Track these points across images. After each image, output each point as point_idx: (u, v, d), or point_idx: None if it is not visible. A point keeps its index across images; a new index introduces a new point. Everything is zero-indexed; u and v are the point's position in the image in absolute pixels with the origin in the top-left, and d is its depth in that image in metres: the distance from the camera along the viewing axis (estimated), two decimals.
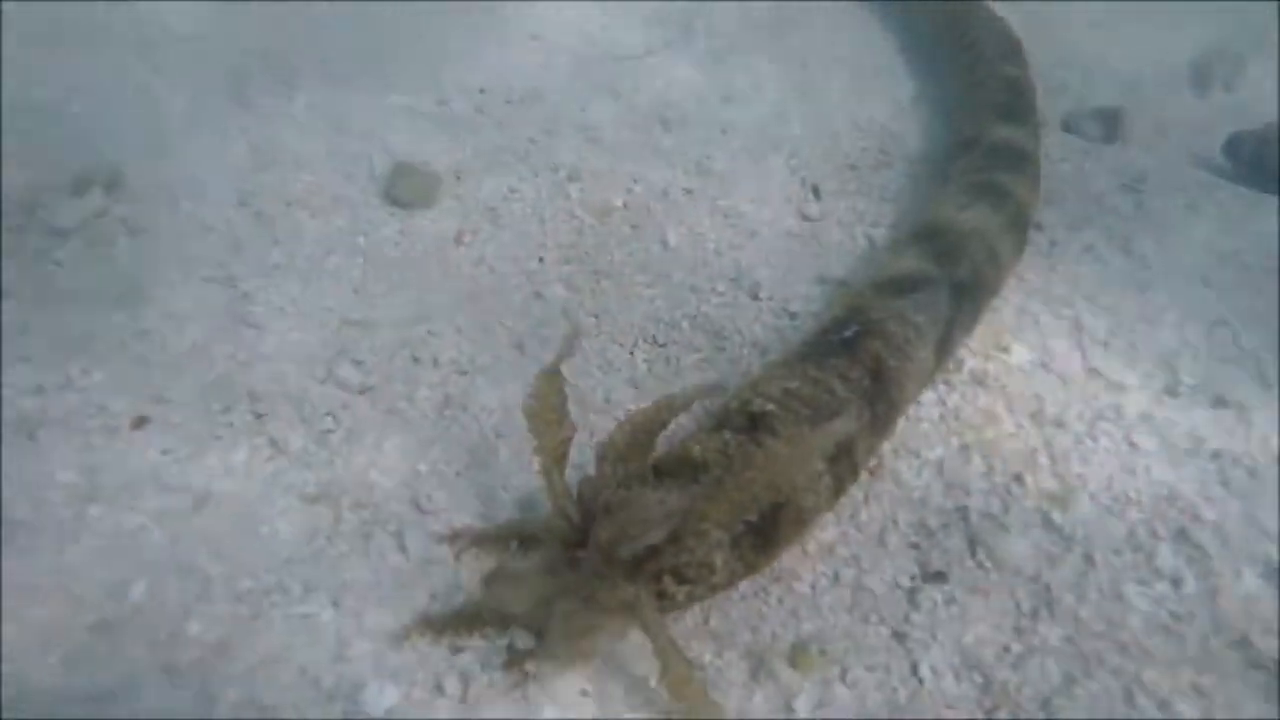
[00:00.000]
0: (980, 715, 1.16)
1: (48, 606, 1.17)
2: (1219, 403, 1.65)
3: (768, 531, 1.20)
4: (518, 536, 1.27)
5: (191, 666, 1.12)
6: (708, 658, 1.20)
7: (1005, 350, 1.75)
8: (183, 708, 1.08)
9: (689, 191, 2.11)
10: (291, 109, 2.21)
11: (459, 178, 2.03)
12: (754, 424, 1.25)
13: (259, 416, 1.46)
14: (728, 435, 1.24)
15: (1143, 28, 3.49)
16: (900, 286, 1.48)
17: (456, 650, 1.16)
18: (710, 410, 1.42)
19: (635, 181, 2.11)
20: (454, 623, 1.18)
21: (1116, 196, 2.41)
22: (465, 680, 1.13)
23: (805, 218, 2.11)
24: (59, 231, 1.73)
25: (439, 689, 1.12)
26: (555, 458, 1.18)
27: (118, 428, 1.42)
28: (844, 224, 2.12)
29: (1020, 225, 1.86)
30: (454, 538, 1.28)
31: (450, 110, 2.30)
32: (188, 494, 1.33)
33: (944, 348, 1.48)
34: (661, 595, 1.13)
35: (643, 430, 1.24)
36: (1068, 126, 2.87)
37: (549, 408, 1.20)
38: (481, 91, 2.39)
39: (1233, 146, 2.77)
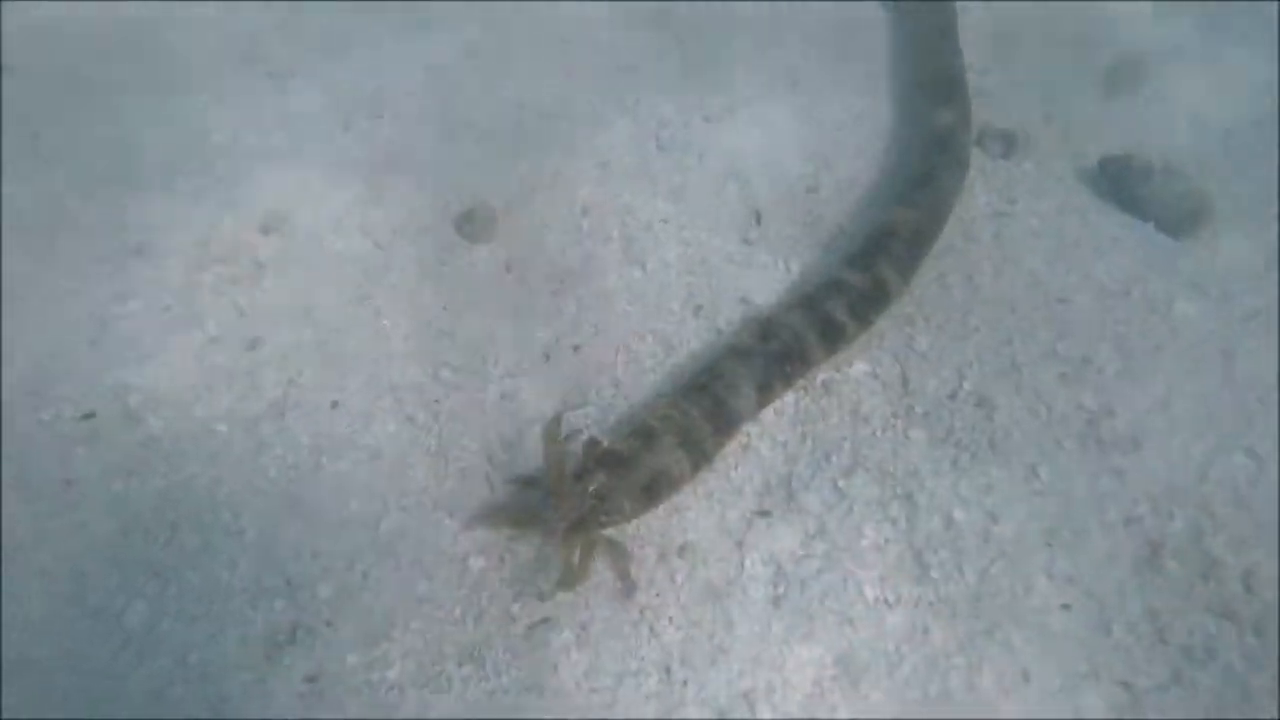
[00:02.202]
0: None
1: None
2: None
3: (652, 489, 2.29)
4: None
5: None
6: (632, 548, 2.34)
7: (850, 364, 2.77)
8: None
9: (665, 221, 3.04)
10: None
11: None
12: (649, 433, 2.33)
13: None
14: (634, 441, 2.31)
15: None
16: (736, 352, 2.50)
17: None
18: (632, 422, 2.47)
19: (629, 212, 3.04)
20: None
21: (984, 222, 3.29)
22: None
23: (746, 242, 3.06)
24: None
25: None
26: (556, 464, 2.25)
27: None
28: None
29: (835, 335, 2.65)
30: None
31: None
32: None
33: (763, 390, 2.48)
34: (601, 525, 2.26)
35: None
36: (977, 142, 3.65)
37: (554, 435, 2.28)
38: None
39: (1104, 169, 3.56)
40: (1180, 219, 3.36)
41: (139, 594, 2.13)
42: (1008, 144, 3.54)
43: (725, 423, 2.41)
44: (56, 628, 2.06)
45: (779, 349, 2.49)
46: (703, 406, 2.39)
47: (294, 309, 2.68)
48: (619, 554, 2.28)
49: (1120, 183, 3.45)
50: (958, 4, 4.00)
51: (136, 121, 3.02)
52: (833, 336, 2.57)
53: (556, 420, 2.29)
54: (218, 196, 2.89)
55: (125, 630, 2.07)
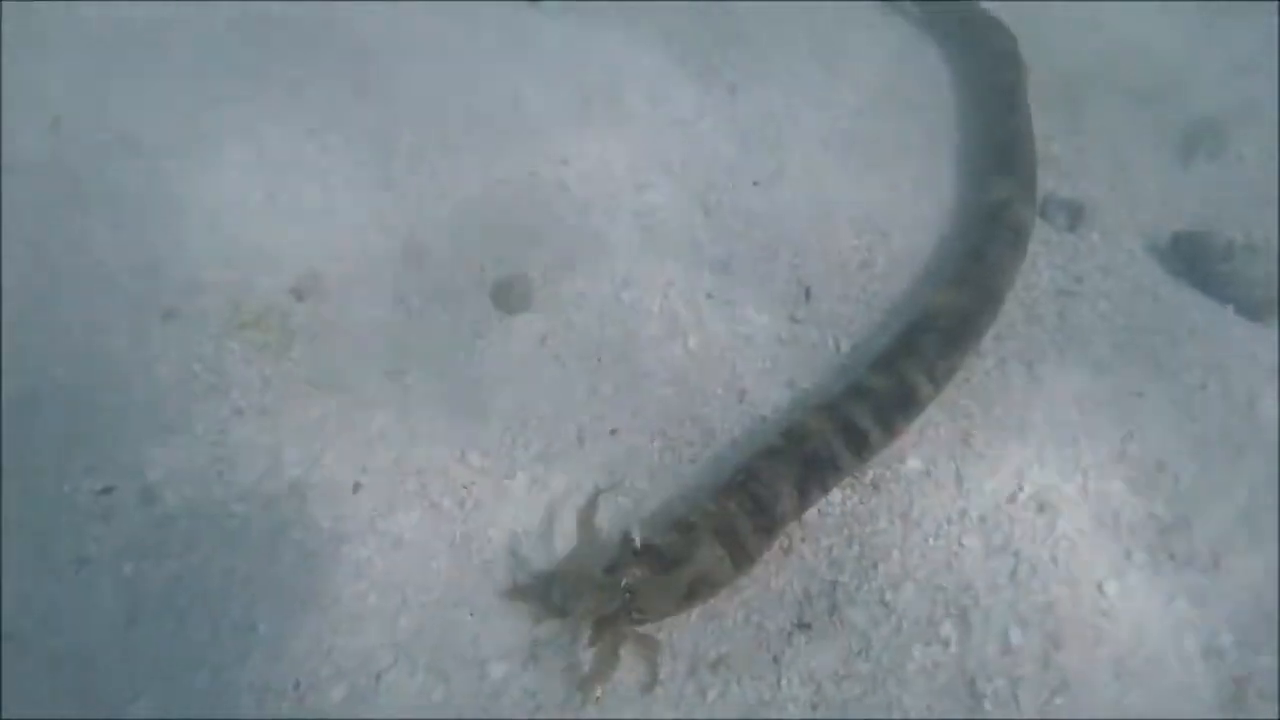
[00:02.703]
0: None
1: None
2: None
3: (692, 590, 2.15)
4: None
5: None
6: (663, 660, 2.19)
7: (902, 461, 2.59)
8: None
9: (710, 295, 2.90)
10: None
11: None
12: (689, 530, 2.18)
13: None
14: (674, 537, 2.17)
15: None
16: (770, 452, 2.34)
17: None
18: (669, 516, 2.33)
19: (671, 285, 2.91)
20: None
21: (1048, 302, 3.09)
22: None
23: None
24: None
25: None
26: (587, 553, 2.13)
27: None
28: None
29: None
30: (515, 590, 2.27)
31: None
32: None
33: (803, 489, 2.31)
34: (633, 622, 2.12)
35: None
36: (1041, 212, 3.45)
37: (588, 521, 2.15)
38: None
39: (1177, 246, 3.34)
40: (1263, 302, 3.13)
41: (143, 691, 2.03)
42: (1074, 215, 3.34)
43: (768, 520, 2.26)
44: None
45: (810, 452, 2.33)
46: (743, 504, 2.24)
47: (321, 380, 2.59)
48: (649, 648, 2.14)
49: (1196, 260, 3.23)
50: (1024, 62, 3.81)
51: (174, 179, 2.97)
52: (858, 444, 2.39)
53: (592, 504, 2.19)
54: (252, 257, 2.82)
55: None
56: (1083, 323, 2.99)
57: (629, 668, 2.13)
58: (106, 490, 2.31)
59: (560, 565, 2.31)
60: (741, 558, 2.21)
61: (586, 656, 2.11)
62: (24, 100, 3.10)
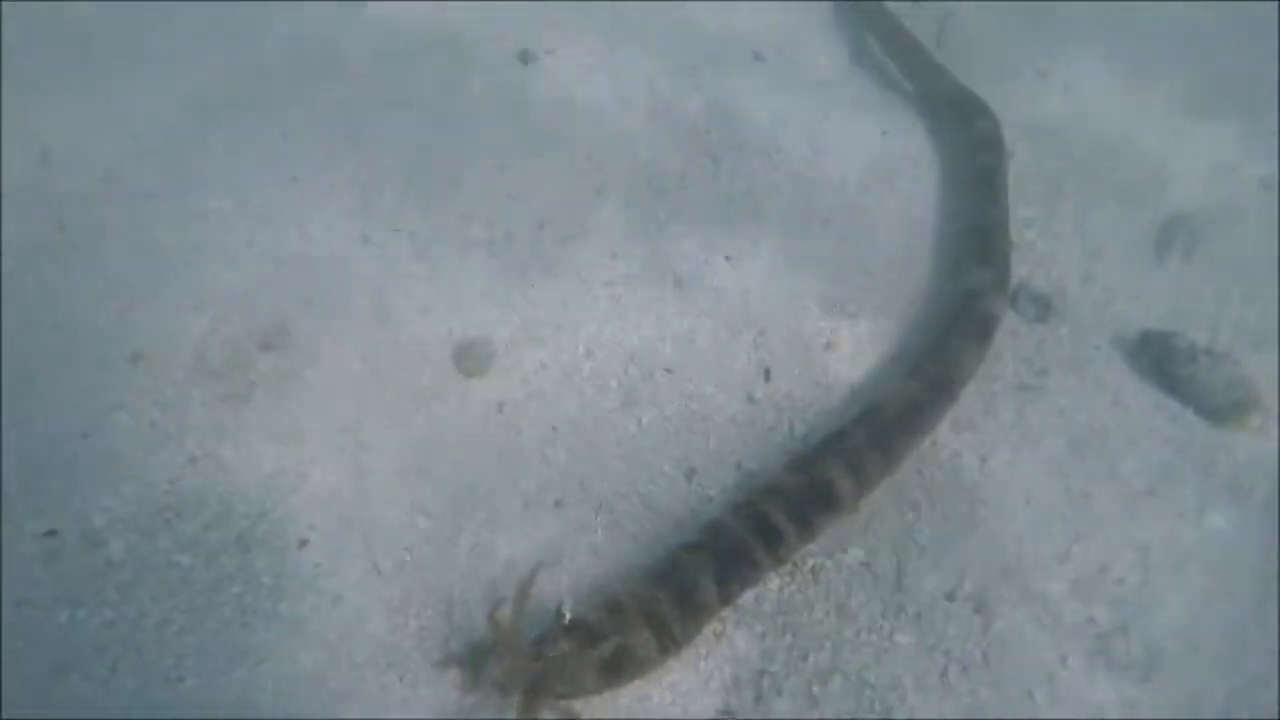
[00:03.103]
0: None
1: None
2: None
3: (616, 667, 2.16)
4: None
5: None
6: None
7: (844, 550, 2.61)
8: None
9: (669, 371, 2.94)
10: None
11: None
12: (619, 609, 2.20)
13: None
14: (603, 614, 2.19)
15: None
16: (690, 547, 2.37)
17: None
18: (604, 594, 2.34)
19: (633, 359, 2.95)
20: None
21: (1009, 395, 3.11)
22: None
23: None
24: None
25: None
26: (515, 624, 2.15)
27: None
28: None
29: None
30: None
31: None
32: None
33: (723, 586, 2.32)
34: (558, 696, 2.14)
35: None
36: (1011, 301, 3.48)
37: (523, 593, 2.18)
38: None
39: (1145, 345, 3.36)
40: (1224, 407, 3.14)
41: None
42: (1043, 307, 3.37)
43: (693, 610, 2.28)
44: None
45: (728, 548, 2.35)
46: (670, 591, 2.26)
47: (279, 432, 2.63)
48: None
49: (1162, 361, 3.25)
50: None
51: (156, 220, 3.05)
52: (773, 543, 2.39)
53: (530, 578, 2.23)
54: (224, 303, 2.88)
55: None
56: (1041, 419, 3.01)
57: None
58: (50, 534, 2.35)
59: (493, 635, 2.33)
60: (668, 641, 2.23)
61: None
62: (16, 131, 3.20)
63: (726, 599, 2.33)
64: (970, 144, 3.87)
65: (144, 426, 2.57)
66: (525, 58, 3.95)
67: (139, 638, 2.22)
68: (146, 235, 2.99)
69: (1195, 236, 3.75)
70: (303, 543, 2.46)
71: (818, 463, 2.52)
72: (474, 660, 2.30)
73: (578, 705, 2.17)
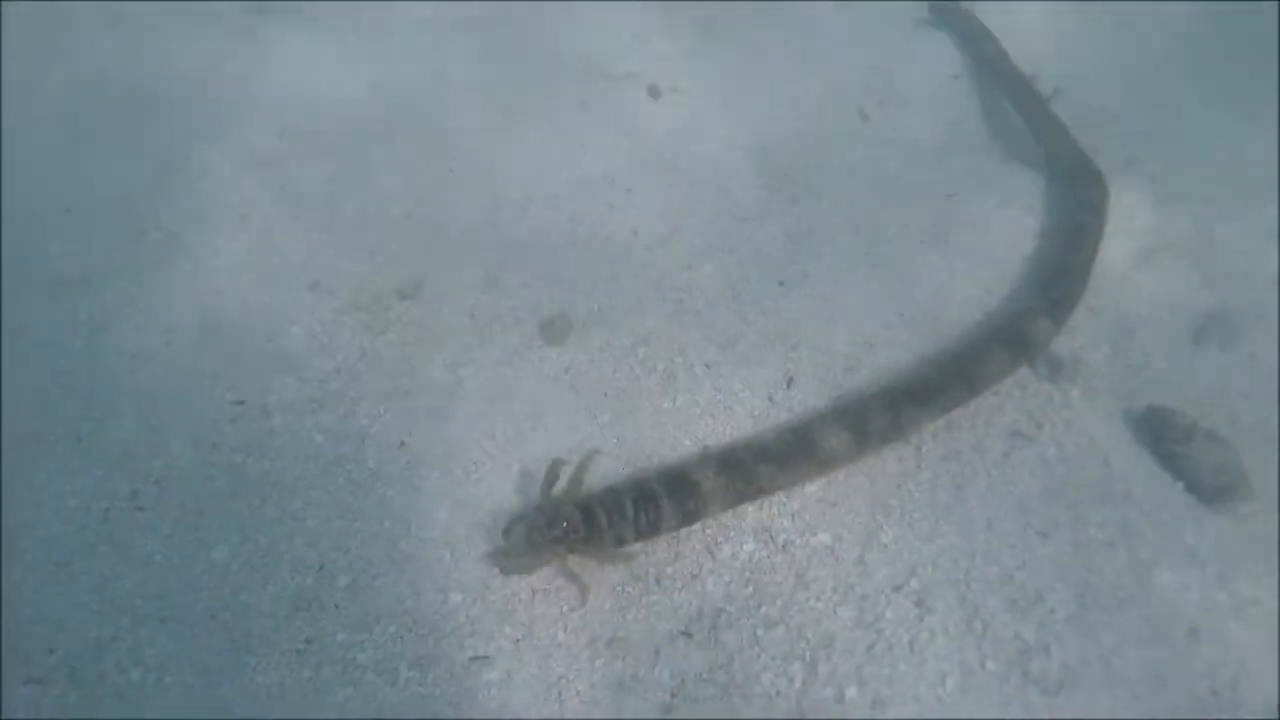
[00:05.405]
0: None
1: None
2: None
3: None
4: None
5: None
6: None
7: (814, 533, 3.16)
8: None
9: (708, 366, 3.58)
10: None
11: None
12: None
13: None
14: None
15: None
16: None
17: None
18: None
19: (681, 352, 3.61)
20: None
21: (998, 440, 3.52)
22: None
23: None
24: None
25: None
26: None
27: None
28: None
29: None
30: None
31: None
32: None
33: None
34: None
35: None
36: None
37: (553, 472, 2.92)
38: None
39: (1149, 418, 3.65)
40: (1212, 488, 3.41)
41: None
42: (1054, 368, 3.72)
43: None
44: None
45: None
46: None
47: (398, 360, 3.49)
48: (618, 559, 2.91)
49: (1159, 435, 3.54)
50: None
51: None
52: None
53: (559, 463, 3.00)
54: (378, 258, 3.77)
55: None
56: (1024, 464, 3.42)
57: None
58: (239, 403, 3.29)
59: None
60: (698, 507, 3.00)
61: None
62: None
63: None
64: (1074, 205, 4.22)
65: (310, 337, 3.49)
66: (654, 92, 4.68)
67: (283, 484, 3.11)
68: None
69: (1236, 330, 3.96)
70: (402, 444, 3.29)
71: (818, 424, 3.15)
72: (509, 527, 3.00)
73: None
